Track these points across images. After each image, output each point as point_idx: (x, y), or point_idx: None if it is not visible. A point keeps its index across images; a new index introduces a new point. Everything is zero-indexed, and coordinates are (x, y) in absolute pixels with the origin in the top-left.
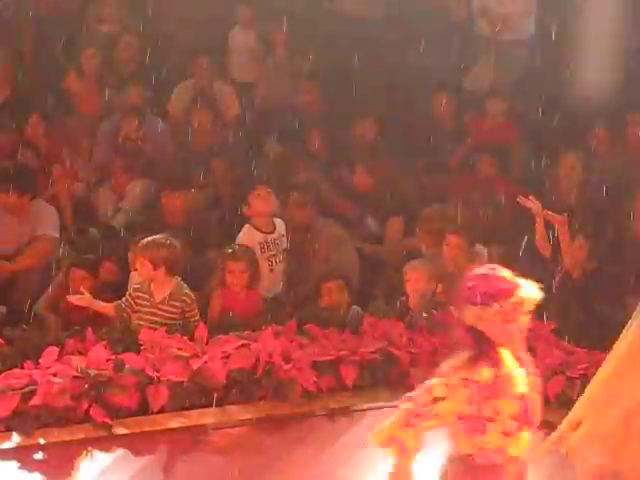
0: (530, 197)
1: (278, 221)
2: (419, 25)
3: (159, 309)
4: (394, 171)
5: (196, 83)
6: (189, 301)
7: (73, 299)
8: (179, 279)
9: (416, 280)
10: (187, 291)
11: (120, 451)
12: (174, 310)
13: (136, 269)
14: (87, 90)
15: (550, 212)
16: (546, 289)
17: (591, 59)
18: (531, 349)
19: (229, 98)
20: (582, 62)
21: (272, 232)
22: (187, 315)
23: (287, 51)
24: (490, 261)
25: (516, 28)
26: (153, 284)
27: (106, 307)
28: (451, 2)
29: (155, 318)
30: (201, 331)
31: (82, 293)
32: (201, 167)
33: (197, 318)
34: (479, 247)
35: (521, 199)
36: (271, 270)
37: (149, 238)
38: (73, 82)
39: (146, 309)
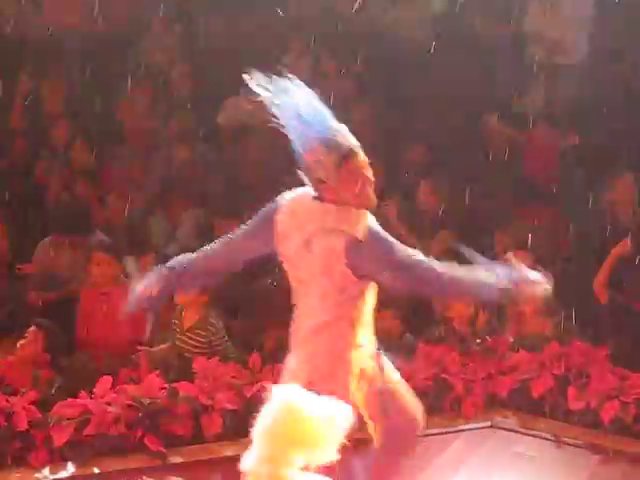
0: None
1: None
2: (470, 49)
3: (186, 337)
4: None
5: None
6: (213, 330)
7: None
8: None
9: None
10: (213, 320)
11: None
12: (200, 339)
13: None
14: (139, 119)
15: None
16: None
17: None
18: (585, 374)
19: None
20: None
21: None
22: (213, 344)
23: (338, 78)
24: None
25: (569, 52)
26: (185, 312)
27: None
28: (502, 26)
29: (184, 346)
30: (255, 359)
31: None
32: (252, 194)
33: (224, 347)
34: None
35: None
36: None
37: None
38: (125, 111)
39: (178, 336)
